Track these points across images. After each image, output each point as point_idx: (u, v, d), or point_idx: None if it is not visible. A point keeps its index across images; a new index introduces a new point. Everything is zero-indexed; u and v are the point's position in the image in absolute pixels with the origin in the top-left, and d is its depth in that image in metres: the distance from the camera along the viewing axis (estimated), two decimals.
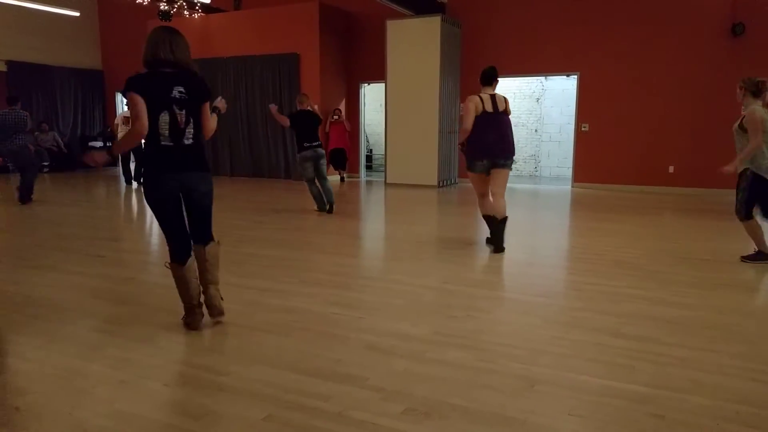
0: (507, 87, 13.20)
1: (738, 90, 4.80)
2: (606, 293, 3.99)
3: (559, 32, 10.53)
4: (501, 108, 5.29)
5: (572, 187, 10.85)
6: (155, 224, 7.14)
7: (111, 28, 14.98)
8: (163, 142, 3.07)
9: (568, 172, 11.49)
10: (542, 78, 12.76)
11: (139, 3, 11.23)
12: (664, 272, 4.60)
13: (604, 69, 10.25)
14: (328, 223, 7.36)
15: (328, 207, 7.53)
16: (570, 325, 3.37)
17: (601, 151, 10.51)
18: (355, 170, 12.83)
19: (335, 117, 11.96)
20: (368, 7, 11.50)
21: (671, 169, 9.80)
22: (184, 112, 3.09)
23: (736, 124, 4.85)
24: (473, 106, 5.22)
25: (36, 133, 13.50)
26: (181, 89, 3.08)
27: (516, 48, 10.89)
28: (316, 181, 7.51)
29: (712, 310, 3.65)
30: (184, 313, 3.33)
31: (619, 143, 10.30)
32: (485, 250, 5.48)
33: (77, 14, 12.89)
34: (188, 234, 3.27)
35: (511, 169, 5.46)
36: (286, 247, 5.61)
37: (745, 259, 4.94)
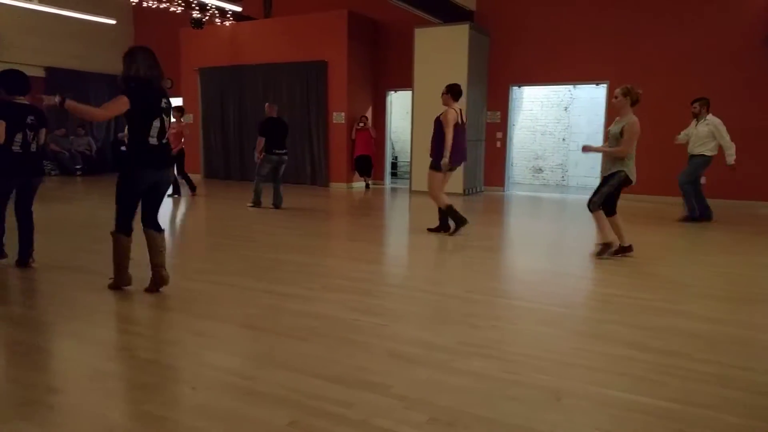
0: (534, 95, 13.16)
1: (621, 97, 5.12)
2: (634, 305, 3.92)
3: (588, 40, 10.43)
4: (464, 120, 6.46)
5: None
6: (187, 227, 7.26)
7: (145, 36, 15.33)
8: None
9: (596, 182, 11.30)
10: (570, 87, 12.64)
11: (173, 11, 11.48)
12: (694, 285, 4.51)
13: (634, 78, 10.03)
14: (351, 230, 7.40)
15: (273, 206, 8.57)
16: (596, 337, 3.33)
17: None
18: (380, 177, 12.86)
19: (361, 124, 12.02)
20: (396, 15, 11.56)
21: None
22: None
23: (616, 129, 5.16)
24: (452, 120, 6.24)
25: (71, 137, 13.95)
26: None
27: (545, 56, 10.82)
28: (270, 182, 8.54)
29: (744, 326, 3.56)
30: (114, 276, 4.06)
31: (648, 153, 10.09)
32: (510, 259, 5.45)
33: (113, 22, 13.23)
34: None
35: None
36: (310, 252, 5.65)
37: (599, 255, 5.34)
